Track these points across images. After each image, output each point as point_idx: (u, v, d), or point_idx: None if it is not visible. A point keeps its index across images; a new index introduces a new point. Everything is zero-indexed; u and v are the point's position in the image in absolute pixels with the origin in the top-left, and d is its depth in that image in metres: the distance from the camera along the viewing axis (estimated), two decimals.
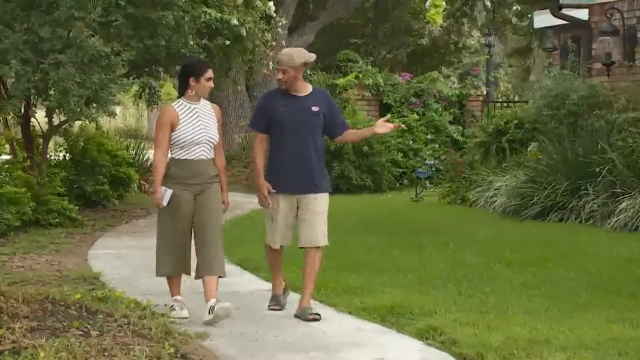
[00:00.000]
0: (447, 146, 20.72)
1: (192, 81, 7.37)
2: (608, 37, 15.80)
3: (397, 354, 6.35)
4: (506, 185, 14.69)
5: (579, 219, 13.14)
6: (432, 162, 19.46)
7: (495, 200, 14.65)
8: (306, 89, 7.61)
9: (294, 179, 7.47)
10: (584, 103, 14.79)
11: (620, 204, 12.58)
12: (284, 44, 20.37)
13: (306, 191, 7.49)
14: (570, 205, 13.41)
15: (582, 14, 16.82)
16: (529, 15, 27.02)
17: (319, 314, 7.34)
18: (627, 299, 7.87)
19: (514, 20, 32.52)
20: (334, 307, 7.74)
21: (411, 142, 20.44)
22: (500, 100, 27.33)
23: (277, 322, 7.25)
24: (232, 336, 6.80)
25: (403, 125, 8.23)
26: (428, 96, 21.83)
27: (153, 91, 17.95)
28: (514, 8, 31.57)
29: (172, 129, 7.31)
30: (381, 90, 21.92)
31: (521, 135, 16.25)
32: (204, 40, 14.09)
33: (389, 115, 8.02)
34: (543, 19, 19.91)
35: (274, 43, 16.40)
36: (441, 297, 7.93)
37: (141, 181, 18.68)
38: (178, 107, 7.39)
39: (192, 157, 7.35)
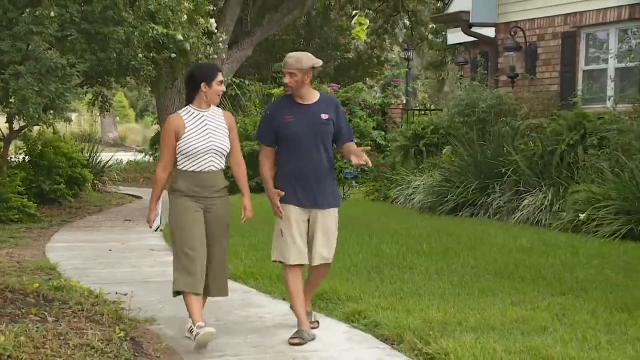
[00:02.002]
0: (371, 149, 20.82)
1: (204, 87, 6.23)
2: (512, 53, 16.02)
3: (326, 336, 6.35)
4: (423, 184, 14.82)
5: (488, 215, 13.32)
6: None
7: (414, 198, 14.77)
8: (314, 96, 6.40)
9: (307, 192, 6.30)
10: (492, 111, 14.99)
11: (524, 200, 12.77)
12: (225, 57, 20.34)
13: (320, 206, 6.33)
14: (480, 202, 13.58)
15: (490, 32, 17.04)
16: (444, 33, 27.29)
17: (317, 322, 6.59)
18: (529, 284, 7.97)
19: (430, 37, 32.86)
20: (269, 295, 7.73)
21: None
22: (418, 108, 27.52)
23: (218, 309, 7.20)
24: (177, 321, 6.74)
25: (369, 164, 6.45)
26: (354, 105, 21.92)
27: (105, 99, 17.84)
28: (430, 26, 31.88)
29: (178, 138, 6.11)
30: None
31: (437, 140, 16.41)
32: (152, 54, 14.00)
33: (367, 148, 6.92)
34: (456, 36, 20.12)
35: (215, 56, 16.37)
36: (365, 284, 7.95)
37: (95, 181, 18.51)
38: (185, 114, 6.23)
39: (200, 169, 6.13)
